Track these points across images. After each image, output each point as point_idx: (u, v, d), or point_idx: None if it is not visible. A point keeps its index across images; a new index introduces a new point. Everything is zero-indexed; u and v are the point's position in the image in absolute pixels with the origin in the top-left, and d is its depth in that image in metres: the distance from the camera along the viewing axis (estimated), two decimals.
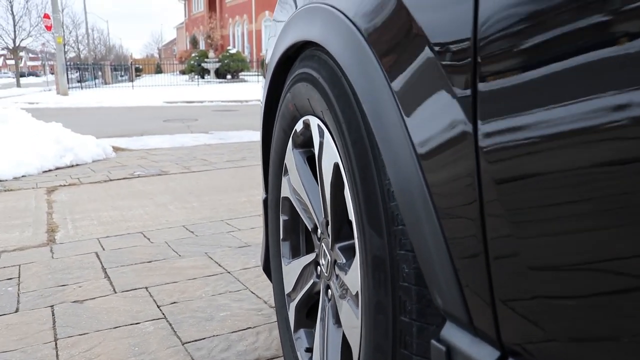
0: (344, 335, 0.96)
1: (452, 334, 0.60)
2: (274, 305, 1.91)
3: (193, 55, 29.41)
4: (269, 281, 2.13)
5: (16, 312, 1.90)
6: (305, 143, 1.13)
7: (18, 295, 2.06)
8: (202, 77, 27.22)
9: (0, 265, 2.43)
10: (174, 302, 1.94)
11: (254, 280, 2.15)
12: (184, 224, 3.05)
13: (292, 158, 1.16)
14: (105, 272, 2.29)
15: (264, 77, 1.40)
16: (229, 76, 27.29)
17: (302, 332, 1.21)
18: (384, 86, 0.66)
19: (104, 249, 2.62)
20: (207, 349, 1.60)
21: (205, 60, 27.20)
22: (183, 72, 31.45)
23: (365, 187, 0.74)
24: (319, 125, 0.97)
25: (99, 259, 2.48)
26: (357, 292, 0.82)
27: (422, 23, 0.59)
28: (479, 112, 0.51)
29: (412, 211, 0.62)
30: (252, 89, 19.94)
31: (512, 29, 0.47)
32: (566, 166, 0.44)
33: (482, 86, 0.50)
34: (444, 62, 0.56)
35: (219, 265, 2.35)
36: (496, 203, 0.50)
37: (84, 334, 1.72)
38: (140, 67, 35.09)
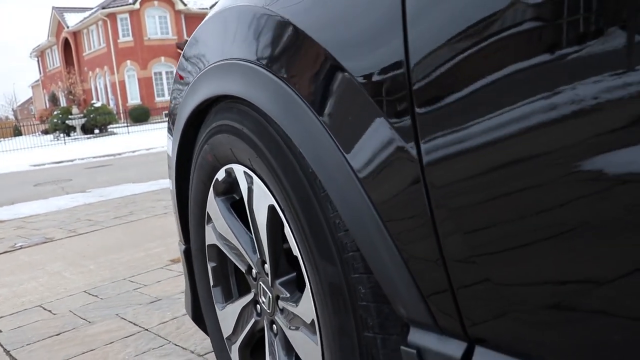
0: None
1: (419, 337, 0.69)
2: (202, 353, 1.91)
3: (55, 113, 27.97)
4: (191, 331, 2.12)
5: None
6: (227, 190, 1.19)
7: None
8: (68, 135, 25.93)
9: None
10: None
11: (175, 333, 2.12)
12: (84, 289, 2.92)
13: (215, 206, 1.20)
14: (10, 355, 2.15)
15: (169, 128, 1.43)
16: (96, 130, 26.24)
17: None
18: (321, 131, 0.74)
19: (1, 331, 2.45)
20: None
21: (70, 117, 25.96)
22: (46, 132, 29.78)
23: (311, 224, 0.81)
24: (245, 172, 1.03)
25: None
26: (313, 320, 0.88)
27: (351, 69, 0.69)
28: (419, 134, 0.61)
29: (367, 237, 0.70)
30: (123, 141, 19.34)
31: (442, 61, 0.58)
32: (501, 166, 0.54)
33: (419, 112, 0.60)
34: (380, 99, 0.65)
35: (134, 324, 2.29)
36: (445, 212, 0.60)
37: None
38: None
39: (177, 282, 2.83)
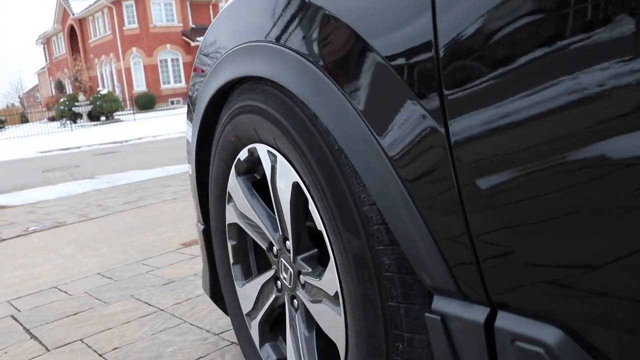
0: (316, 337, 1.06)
1: (443, 304, 0.72)
2: (217, 332, 1.95)
3: (62, 100, 28.06)
4: (205, 312, 2.17)
5: None
6: (249, 170, 1.22)
7: None
8: (75, 122, 26.07)
9: None
10: (116, 348, 1.92)
11: (190, 313, 2.17)
12: (98, 272, 2.97)
13: (237, 185, 1.24)
14: (30, 333, 2.20)
15: (189, 115, 1.47)
16: (102, 118, 26.36)
17: (267, 347, 1.29)
18: (350, 110, 0.77)
19: (19, 311, 2.50)
20: None
21: (76, 104, 26.09)
22: (53, 119, 29.92)
23: (336, 198, 0.85)
24: (269, 151, 1.07)
25: (17, 321, 2.37)
26: (337, 292, 0.92)
27: (381, 50, 0.72)
28: (447, 113, 0.64)
29: (394, 210, 0.73)
30: (130, 128, 19.41)
31: (469, 42, 0.60)
32: (524, 146, 0.58)
33: (448, 94, 0.63)
34: (409, 80, 0.68)
35: (149, 305, 2.33)
36: (471, 189, 0.63)
37: None
38: (3, 118, 32.78)
39: (189, 265, 2.87)
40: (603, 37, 0.49)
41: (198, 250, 3.18)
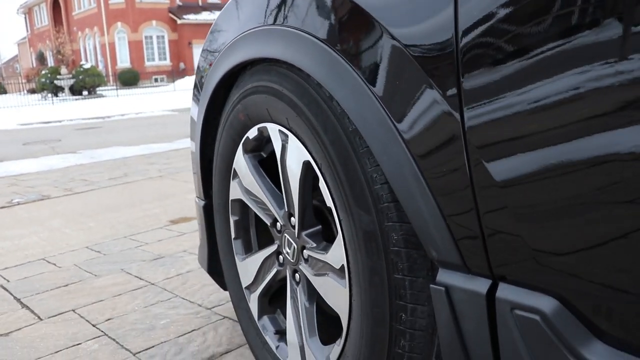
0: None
1: (447, 277, 0.78)
2: (210, 307, 2.00)
3: (43, 72, 27.62)
4: (196, 287, 2.22)
5: None
6: (256, 148, 1.27)
7: None
8: (56, 95, 25.71)
9: None
10: (109, 319, 1.97)
11: (181, 288, 2.22)
12: (86, 245, 3.00)
13: (243, 162, 1.28)
14: (21, 302, 2.23)
15: (195, 95, 1.51)
16: (85, 92, 26.02)
17: (266, 319, 1.34)
18: (368, 94, 0.82)
19: (8, 281, 2.52)
20: (160, 355, 1.67)
21: (58, 77, 25.70)
22: (33, 91, 29.47)
23: (349, 177, 0.90)
24: (280, 131, 1.11)
25: (7, 290, 2.39)
26: (342, 265, 0.98)
27: (401, 38, 0.77)
28: (463, 100, 0.69)
29: (407, 189, 0.79)
30: (112, 104, 19.20)
31: (489, 33, 0.66)
32: (532, 133, 0.63)
33: (465, 82, 0.69)
34: (428, 67, 0.74)
35: (140, 278, 2.37)
36: (481, 170, 0.69)
37: None
38: None
39: (177, 242, 2.91)
40: (618, 32, 0.54)
41: (185, 227, 3.22)
